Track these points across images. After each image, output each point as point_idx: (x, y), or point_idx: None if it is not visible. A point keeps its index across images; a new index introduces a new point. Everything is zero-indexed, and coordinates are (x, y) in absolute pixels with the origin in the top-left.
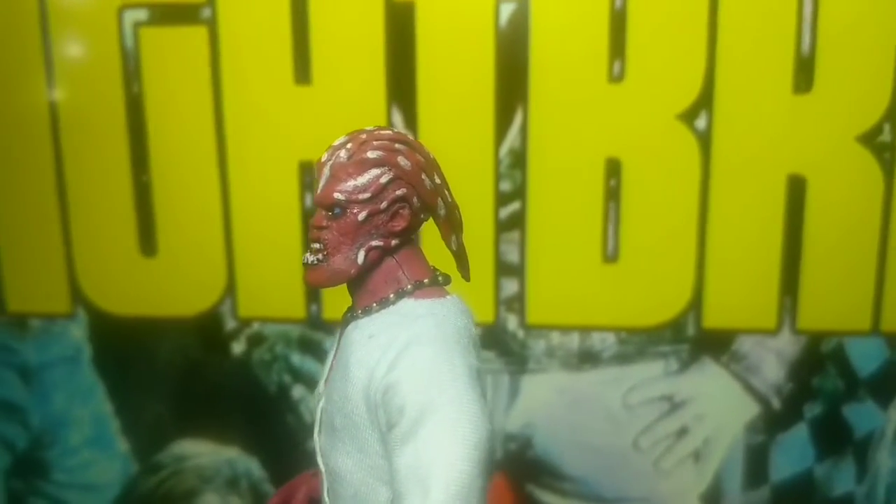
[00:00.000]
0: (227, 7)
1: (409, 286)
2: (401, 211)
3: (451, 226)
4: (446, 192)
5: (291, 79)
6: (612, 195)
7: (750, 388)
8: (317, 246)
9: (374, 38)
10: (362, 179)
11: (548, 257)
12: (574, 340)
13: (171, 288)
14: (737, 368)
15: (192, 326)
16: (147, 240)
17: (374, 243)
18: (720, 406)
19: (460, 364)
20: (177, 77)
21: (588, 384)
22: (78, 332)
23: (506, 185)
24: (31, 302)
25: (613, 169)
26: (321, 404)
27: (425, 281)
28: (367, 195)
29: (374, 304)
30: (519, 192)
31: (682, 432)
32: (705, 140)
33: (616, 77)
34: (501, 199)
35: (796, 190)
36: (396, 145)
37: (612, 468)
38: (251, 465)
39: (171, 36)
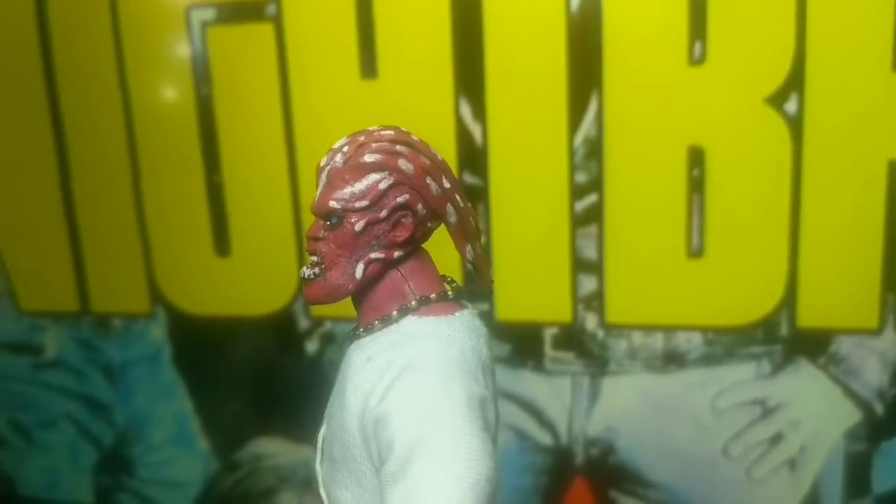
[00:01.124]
0: (291, 2)
1: (413, 302)
2: (403, 220)
3: (465, 234)
4: (457, 197)
5: (358, 73)
6: (696, 186)
7: (850, 393)
8: (314, 259)
9: (441, 28)
10: (360, 186)
11: (628, 253)
12: (658, 341)
13: (245, 288)
14: (835, 371)
15: (266, 326)
16: (221, 240)
17: (374, 255)
18: (818, 411)
19: (459, 393)
20: (245, 75)
21: (673, 387)
22: (158, 331)
23: (581, 177)
24: (113, 302)
25: (696, 158)
26: (322, 431)
27: (432, 296)
28: (364, 203)
29: (377, 322)
30: (595, 184)
31: (777, 439)
32: (796, 124)
33: (697, 59)
34: (577, 192)
35: None
36: (397, 147)
37: (701, 476)
38: None
39: (238, 34)
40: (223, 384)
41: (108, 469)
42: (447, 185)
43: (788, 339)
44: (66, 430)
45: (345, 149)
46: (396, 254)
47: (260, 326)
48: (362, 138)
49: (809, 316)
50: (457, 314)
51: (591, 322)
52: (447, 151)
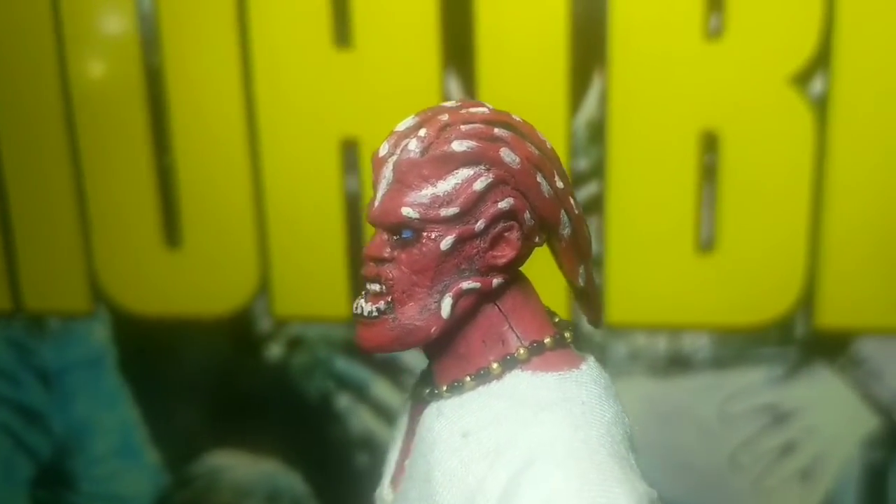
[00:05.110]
0: None
1: (521, 350)
2: (506, 234)
3: (579, 251)
4: (572, 202)
5: (330, 42)
6: (708, 173)
7: (869, 398)
8: (376, 288)
9: None
10: (445, 185)
11: (631, 246)
12: (661, 343)
13: (199, 284)
14: (855, 375)
15: (223, 327)
16: (171, 230)
17: (466, 285)
18: (833, 418)
19: (626, 499)
20: (200, 43)
21: (678, 392)
22: (100, 332)
23: (582, 163)
24: (49, 299)
25: (709, 143)
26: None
27: (546, 341)
28: (454, 210)
29: (468, 378)
30: (597, 171)
31: (789, 448)
32: (821, 107)
33: (713, 33)
34: (577, 180)
35: None
36: (496, 130)
37: (706, 487)
38: (294, 480)
39: None
40: (174, 391)
41: (46, 483)
42: (560, 184)
43: (804, 341)
44: None
45: (421, 132)
46: (495, 282)
47: (215, 327)
48: (446, 117)
49: (828, 315)
50: (583, 367)
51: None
52: None
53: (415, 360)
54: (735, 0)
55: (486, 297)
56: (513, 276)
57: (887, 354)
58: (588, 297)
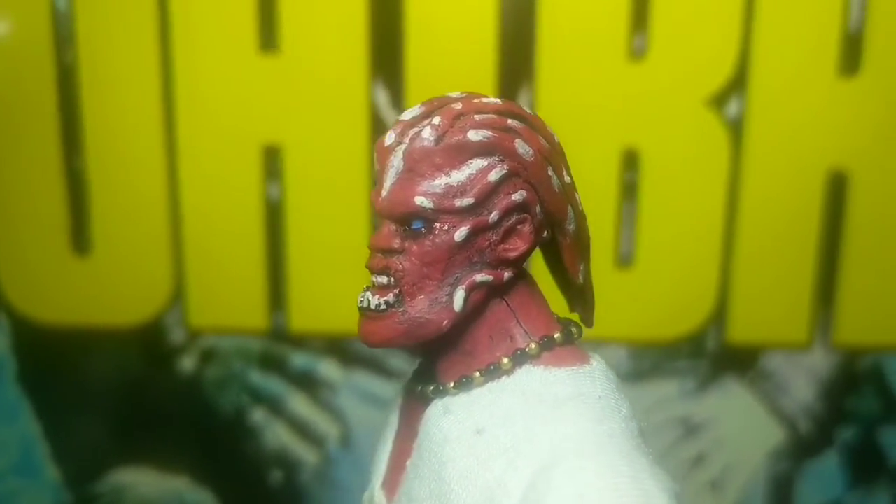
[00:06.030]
0: None
1: (532, 345)
2: (519, 227)
3: (580, 249)
4: (576, 197)
5: (254, 46)
6: (628, 191)
7: (776, 410)
8: (383, 280)
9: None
10: (459, 175)
11: None
12: None
13: (108, 292)
14: (762, 388)
15: (133, 338)
16: (79, 235)
17: (479, 278)
18: (742, 430)
19: (658, 495)
20: (117, 42)
21: None
22: (0, 342)
23: None
24: None
25: (630, 160)
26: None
27: (556, 336)
28: (468, 200)
29: (477, 374)
30: None
31: (699, 459)
32: (736, 128)
33: (636, 54)
34: None
35: (836, 186)
36: (510, 121)
37: None
38: (204, 498)
39: None
40: (77, 405)
41: None
42: (567, 179)
43: (716, 354)
44: None
45: (435, 119)
46: (506, 275)
47: (125, 339)
48: (459, 106)
49: (739, 330)
50: (593, 363)
51: None
52: (358, 143)
53: (331, 373)
54: (658, 22)
55: (494, 291)
56: (520, 271)
57: (793, 369)
58: (584, 295)
